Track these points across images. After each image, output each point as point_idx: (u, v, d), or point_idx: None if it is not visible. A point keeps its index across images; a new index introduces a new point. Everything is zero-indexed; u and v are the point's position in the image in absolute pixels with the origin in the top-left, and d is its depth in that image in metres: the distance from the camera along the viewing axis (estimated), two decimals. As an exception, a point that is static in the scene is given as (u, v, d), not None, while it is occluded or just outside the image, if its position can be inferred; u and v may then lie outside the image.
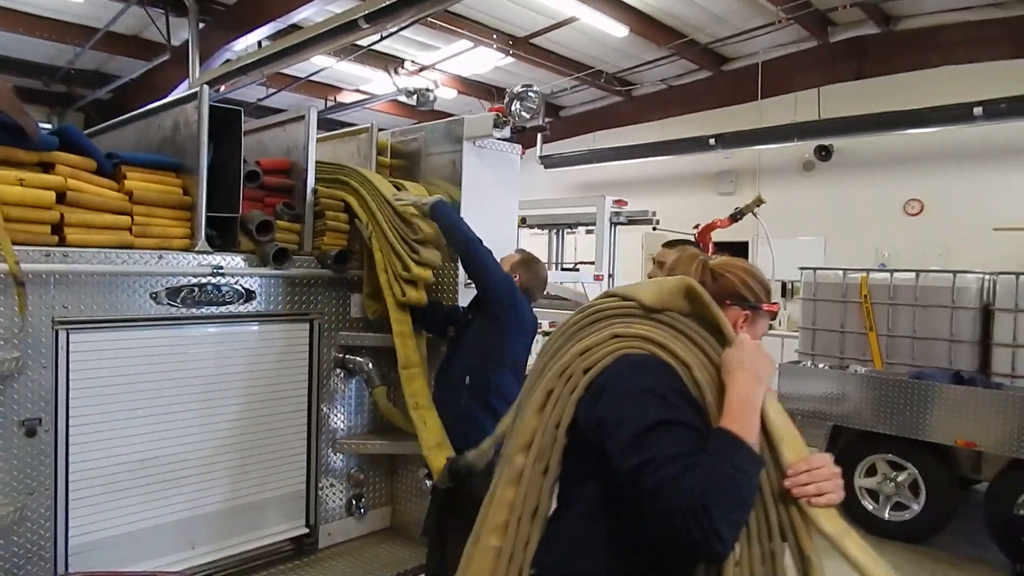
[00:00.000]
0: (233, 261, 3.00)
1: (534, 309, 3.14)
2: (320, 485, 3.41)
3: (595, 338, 1.45)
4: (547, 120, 11.95)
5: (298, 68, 9.30)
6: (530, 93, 3.37)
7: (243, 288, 3.09)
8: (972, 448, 4.52)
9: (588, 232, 8.63)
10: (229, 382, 3.07)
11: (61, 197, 2.57)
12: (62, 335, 2.57)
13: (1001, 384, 4.77)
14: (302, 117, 3.35)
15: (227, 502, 3.07)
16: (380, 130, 3.79)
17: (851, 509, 4.74)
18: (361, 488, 3.59)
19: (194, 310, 2.93)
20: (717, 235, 6.28)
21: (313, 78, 10.38)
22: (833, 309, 5.71)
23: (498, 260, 3.15)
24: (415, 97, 9.38)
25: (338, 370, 3.48)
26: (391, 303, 3.20)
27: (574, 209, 8.87)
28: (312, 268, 3.29)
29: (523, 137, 9.08)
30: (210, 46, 8.09)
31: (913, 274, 5.38)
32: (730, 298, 1.52)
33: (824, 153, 9.67)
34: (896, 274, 5.51)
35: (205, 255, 2.91)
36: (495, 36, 9.17)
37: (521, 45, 9.56)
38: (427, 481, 3.50)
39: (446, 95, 10.57)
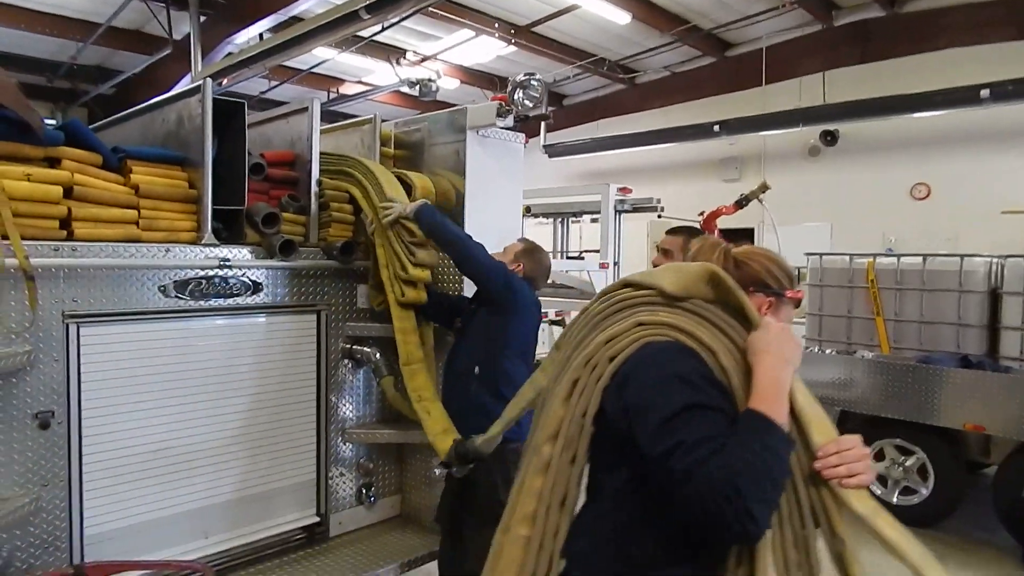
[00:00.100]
0: (240, 253, 3.02)
1: (540, 298, 3.15)
2: (330, 474, 3.44)
3: (620, 327, 1.45)
4: (550, 109, 11.90)
5: (300, 60, 9.29)
6: (532, 82, 3.36)
7: (250, 280, 3.10)
8: (981, 432, 4.53)
9: (593, 221, 8.63)
10: (238, 373, 3.09)
11: (68, 192, 2.58)
12: (72, 328, 2.60)
13: (1010, 368, 4.75)
14: (305, 109, 3.35)
15: (239, 492, 3.10)
16: (383, 121, 3.79)
17: (859, 494, 4.75)
18: (371, 477, 3.61)
19: (202, 302, 2.95)
20: (722, 222, 6.26)
21: (315, 70, 10.38)
22: (840, 295, 5.70)
23: (502, 249, 3.17)
24: (417, 88, 9.35)
25: (346, 360, 3.50)
26: (392, 301, 3.22)
27: (579, 198, 8.86)
28: (318, 259, 3.30)
29: (526, 126, 9.06)
30: (212, 39, 8.09)
31: (920, 258, 5.36)
32: (754, 285, 1.52)
33: (829, 138, 9.61)
34: (903, 259, 5.50)
35: (212, 248, 2.93)
36: (497, 25, 9.14)
37: (523, 34, 9.52)
38: (435, 471, 3.53)
39: (448, 85, 10.55)
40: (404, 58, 10.21)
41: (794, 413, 1.30)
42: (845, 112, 8.63)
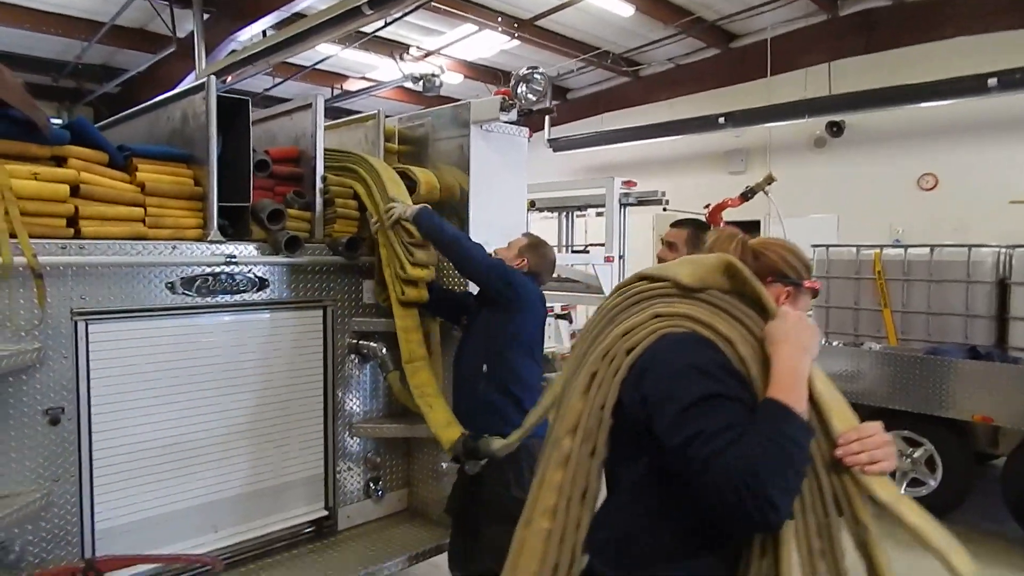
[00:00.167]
0: (246, 250, 3.03)
1: (545, 292, 3.14)
2: (338, 468, 3.46)
3: (636, 319, 1.46)
4: (554, 103, 11.81)
5: (304, 57, 9.30)
6: (536, 75, 3.36)
7: (256, 276, 3.12)
8: (989, 423, 4.50)
9: (598, 214, 8.61)
10: (246, 369, 3.11)
11: (75, 190, 2.60)
12: (81, 326, 2.62)
13: (1018, 359, 4.72)
14: (309, 106, 3.36)
15: (247, 486, 3.13)
16: (387, 117, 3.80)
17: (866, 485, 4.74)
18: (378, 471, 3.63)
19: (209, 299, 2.97)
20: (728, 214, 6.24)
21: (319, 66, 10.38)
22: (846, 286, 5.67)
23: (506, 244, 3.17)
24: (421, 83, 9.36)
25: (352, 356, 3.51)
26: (393, 300, 3.24)
27: (583, 191, 8.85)
28: (323, 255, 3.32)
29: (531, 120, 9.04)
30: (215, 37, 8.10)
31: (927, 249, 5.32)
32: (771, 275, 1.52)
33: (835, 129, 9.56)
34: (910, 250, 5.46)
35: (218, 244, 2.94)
36: (500, 19, 9.11)
37: (526, 27, 9.49)
38: (443, 464, 3.55)
39: (452, 80, 10.53)
40: (407, 53, 10.20)
41: (813, 401, 1.29)
42: (851, 103, 8.58)
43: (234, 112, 3.02)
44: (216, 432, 3.01)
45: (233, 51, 8.17)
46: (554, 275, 3.52)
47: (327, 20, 6.43)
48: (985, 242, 5.28)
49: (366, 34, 8.88)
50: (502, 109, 3.33)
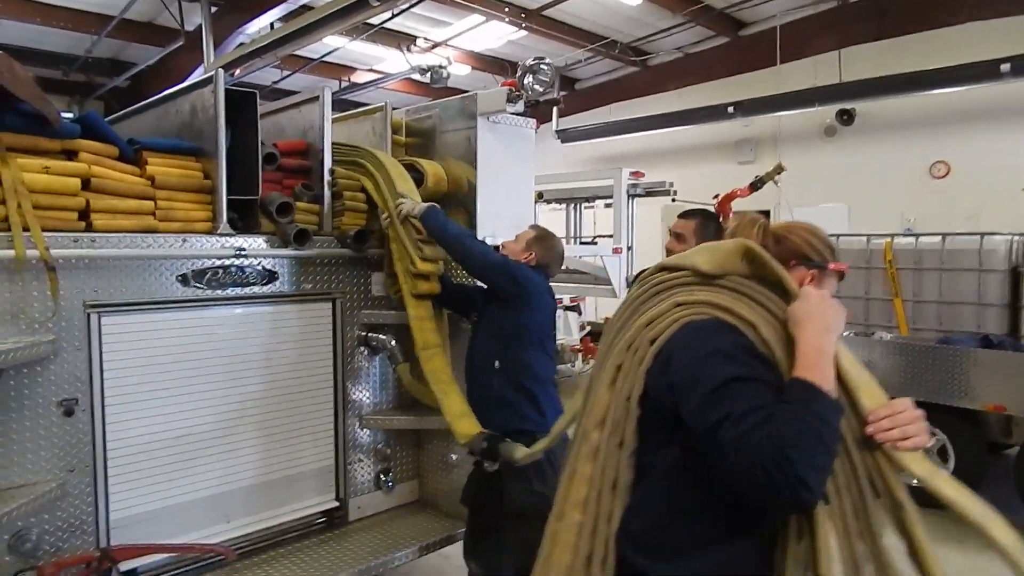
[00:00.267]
0: (255, 243, 3.05)
1: (553, 284, 3.14)
2: (349, 460, 3.49)
3: (658, 309, 1.46)
4: (562, 93, 11.84)
5: (311, 49, 9.28)
6: (542, 66, 3.34)
7: (265, 269, 3.14)
8: (1002, 413, 4.48)
9: (607, 206, 8.59)
10: (257, 361, 3.13)
11: (86, 184, 2.62)
12: (94, 318, 2.65)
13: (1031, 347, 4.71)
14: (317, 98, 3.36)
15: (259, 477, 3.16)
16: (394, 109, 3.80)
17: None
18: (388, 462, 3.66)
19: (219, 291, 2.99)
20: (737, 205, 6.20)
21: (326, 59, 10.38)
22: (857, 276, 5.64)
23: (514, 237, 3.16)
24: (428, 75, 9.32)
25: (362, 348, 3.53)
26: (406, 293, 3.24)
27: (591, 183, 8.82)
28: (332, 248, 3.33)
29: (539, 112, 9.00)
30: (223, 30, 8.11)
31: (939, 238, 5.29)
32: (795, 259, 1.51)
33: (846, 117, 9.46)
34: (921, 238, 5.43)
35: (227, 237, 2.96)
36: (507, 9, 9.06)
37: (533, 17, 9.44)
38: (452, 456, 3.56)
39: (459, 71, 10.49)
40: (414, 45, 10.18)
41: (841, 379, 1.29)
42: (862, 90, 8.48)
43: (242, 105, 3.02)
44: (227, 423, 3.04)
45: (241, 44, 8.18)
46: (562, 267, 3.51)
47: (334, 12, 6.42)
48: (998, 230, 5.24)
49: (373, 26, 8.87)
50: (509, 100, 3.32)
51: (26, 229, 2.38)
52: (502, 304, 2.92)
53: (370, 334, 3.51)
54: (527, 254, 3.03)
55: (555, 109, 11.46)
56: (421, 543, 3.31)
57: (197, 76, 5.65)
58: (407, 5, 7.41)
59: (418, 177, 3.44)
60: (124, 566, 2.59)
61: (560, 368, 7.34)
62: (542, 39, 10.07)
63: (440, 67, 9.21)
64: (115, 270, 2.69)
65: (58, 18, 8.53)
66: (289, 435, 3.26)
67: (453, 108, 3.61)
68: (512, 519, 2.80)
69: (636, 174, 8.08)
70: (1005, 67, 7.11)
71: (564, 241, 3.98)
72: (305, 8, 7.67)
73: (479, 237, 3.36)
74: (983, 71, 7.35)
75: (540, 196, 8.30)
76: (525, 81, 3.34)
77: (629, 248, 7.97)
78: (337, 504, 3.45)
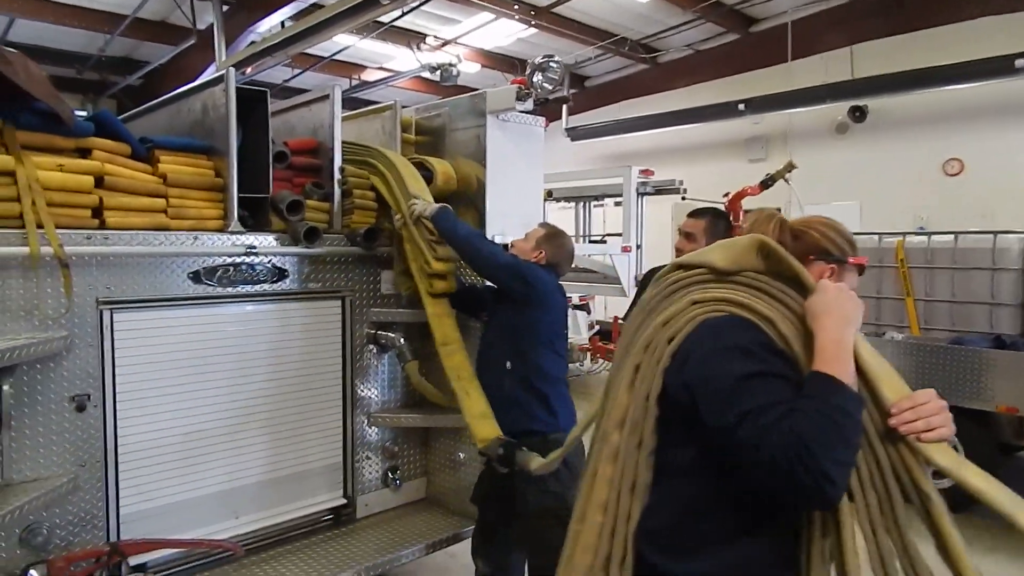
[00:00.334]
0: (265, 241, 3.07)
1: (563, 282, 3.13)
2: (357, 457, 3.50)
3: (675, 307, 1.46)
4: (572, 91, 11.80)
5: (322, 48, 9.32)
6: (551, 64, 3.34)
7: (276, 267, 3.16)
8: (1014, 414, 4.44)
9: (616, 204, 8.57)
10: (266, 358, 3.15)
11: (99, 182, 2.65)
12: (106, 315, 2.67)
13: (1044, 348, 4.66)
14: (327, 96, 3.37)
15: (267, 474, 3.18)
16: (404, 107, 3.80)
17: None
18: (396, 460, 3.67)
19: (230, 289, 3.01)
20: (747, 203, 6.17)
21: (337, 57, 10.41)
22: (868, 275, 5.59)
23: (523, 235, 3.15)
24: (438, 73, 9.35)
25: (371, 346, 3.55)
26: (423, 293, 3.23)
27: (600, 181, 8.81)
28: (342, 246, 3.34)
29: (548, 109, 8.98)
30: (234, 28, 8.16)
31: (951, 236, 5.25)
32: (814, 254, 1.50)
33: (858, 114, 9.38)
34: (934, 237, 5.38)
35: (238, 235, 2.98)
36: (516, 7, 9.05)
37: (543, 15, 9.42)
38: (460, 454, 3.57)
39: (469, 69, 10.50)
40: (424, 43, 10.19)
41: (861, 372, 1.27)
42: (874, 87, 8.39)
43: (253, 103, 3.04)
44: (237, 420, 3.07)
45: (252, 43, 8.22)
46: (572, 265, 3.50)
47: (344, 10, 6.44)
48: (1012, 228, 5.18)
49: (383, 24, 8.88)
50: (518, 98, 3.32)
51: (40, 226, 2.41)
52: (512, 304, 2.91)
53: (379, 332, 3.52)
54: (537, 253, 3.01)
55: (565, 107, 11.44)
56: (428, 541, 3.32)
57: (209, 75, 5.68)
58: (417, 3, 7.43)
59: (427, 175, 3.44)
60: (133, 560, 2.63)
61: (569, 367, 7.34)
62: (552, 37, 10.05)
63: (450, 65, 9.23)
64: (127, 267, 2.72)
65: (72, 17, 8.61)
66: (298, 432, 3.28)
67: (462, 106, 3.62)
68: (524, 519, 2.80)
69: (646, 172, 8.06)
70: (1020, 62, 7.01)
71: (573, 239, 3.96)
72: (315, 6, 7.69)
73: (488, 235, 3.36)
74: (997, 67, 7.26)
75: (549, 194, 8.31)
76: (534, 79, 3.34)
77: (638, 247, 7.95)
78: (345, 501, 3.47)
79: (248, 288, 3.07)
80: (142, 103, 3.78)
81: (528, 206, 3.63)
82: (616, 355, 1.59)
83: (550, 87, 3.35)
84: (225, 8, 8.07)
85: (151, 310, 2.81)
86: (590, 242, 8.90)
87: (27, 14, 8.35)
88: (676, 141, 11.20)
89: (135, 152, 2.85)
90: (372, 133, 3.77)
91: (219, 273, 2.97)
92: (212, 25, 8.05)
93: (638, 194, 8.00)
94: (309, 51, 8.96)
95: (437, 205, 3.09)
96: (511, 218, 3.49)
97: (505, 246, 3.17)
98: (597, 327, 9.15)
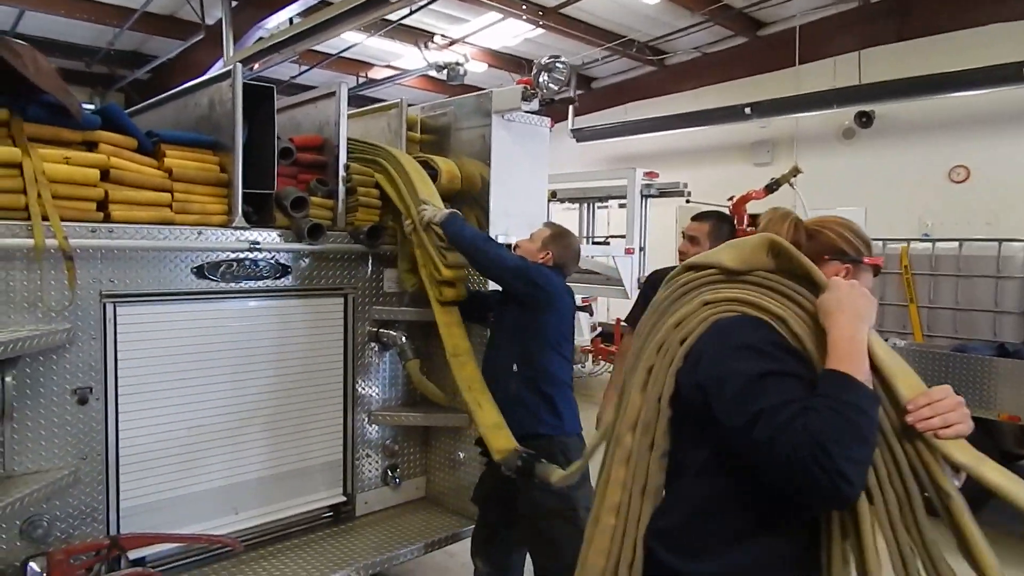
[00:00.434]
0: (269, 236, 3.07)
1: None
2: (356, 455, 3.51)
3: (686, 309, 1.46)
4: (579, 92, 11.79)
5: (329, 45, 9.32)
6: (557, 64, 3.34)
7: (279, 263, 3.16)
8: (1016, 422, 4.42)
9: (621, 206, 8.56)
10: (268, 354, 3.16)
11: (105, 175, 2.65)
12: (109, 308, 2.68)
13: (1048, 357, 4.63)
14: (333, 94, 3.38)
15: (268, 470, 3.18)
16: (410, 105, 3.81)
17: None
18: (396, 459, 3.68)
19: (233, 284, 3.02)
20: (752, 206, 6.16)
21: (344, 55, 10.40)
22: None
23: (529, 236, 3.14)
24: (445, 72, 9.34)
25: (372, 344, 3.55)
26: (433, 300, 3.20)
27: (605, 182, 8.80)
28: (345, 243, 3.34)
29: (554, 110, 8.97)
30: (243, 24, 8.16)
31: (956, 243, 5.23)
32: (829, 253, 1.49)
33: (865, 119, 9.35)
34: (938, 244, 5.36)
35: (242, 231, 2.98)
36: (524, 7, 9.04)
37: (551, 15, 9.41)
38: (459, 453, 3.57)
39: (476, 69, 10.50)
40: (432, 41, 10.18)
41: (876, 369, 1.26)
42: (881, 92, 8.36)
43: (260, 100, 3.05)
44: (238, 416, 3.07)
45: (260, 39, 8.22)
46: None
47: (352, 8, 6.44)
48: (1017, 236, 5.17)
49: (391, 22, 8.88)
50: (524, 98, 3.32)
51: (45, 218, 2.42)
52: (520, 306, 2.88)
53: (381, 330, 3.53)
54: (543, 253, 2.99)
55: (571, 108, 11.42)
56: (427, 540, 3.32)
57: (216, 70, 5.69)
58: (425, 1, 7.42)
59: (432, 174, 3.44)
60: (133, 554, 2.64)
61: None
62: (559, 37, 10.04)
63: (457, 64, 9.22)
64: (131, 261, 2.73)
65: (82, 11, 8.64)
66: (298, 429, 3.28)
67: (468, 105, 3.62)
68: (528, 519, 2.80)
69: (650, 174, 8.05)
70: (1028, 71, 6.99)
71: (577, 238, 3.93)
72: (324, 3, 7.70)
73: (491, 235, 3.36)
74: (1006, 74, 7.22)
75: (554, 195, 8.30)
76: (540, 79, 3.34)
77: (641, 249, 7.94)
78: (344, 499, 3.47)
79: (251, 284, 3.08)
80: (150, 97, 3.78)
81: (532, 206, 3.63)
82: (628, 358, 1.59)
83: (556, 87, 3.34)
84: (234, 4, 8.08)
85: (154, 304, 2.82)
86: (593, 243, 8.89)
87: (37, 6, 8.38)
88: (682, 144, 11.18)
89: (141, 146, 2.85)
90: (378, 131, 3.77)
91: (222, 268, 2.97)
92: (220, 20, 8.06)
93: (642, 196, 7.99)
94: (317, 48, 8.96)
95: (447, 211, 3.06)
96: (515, 218, 3.50)
97: (509, 246, 3.17)
98: (599, 329, 9.13)
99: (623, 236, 8.16)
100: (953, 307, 5.18)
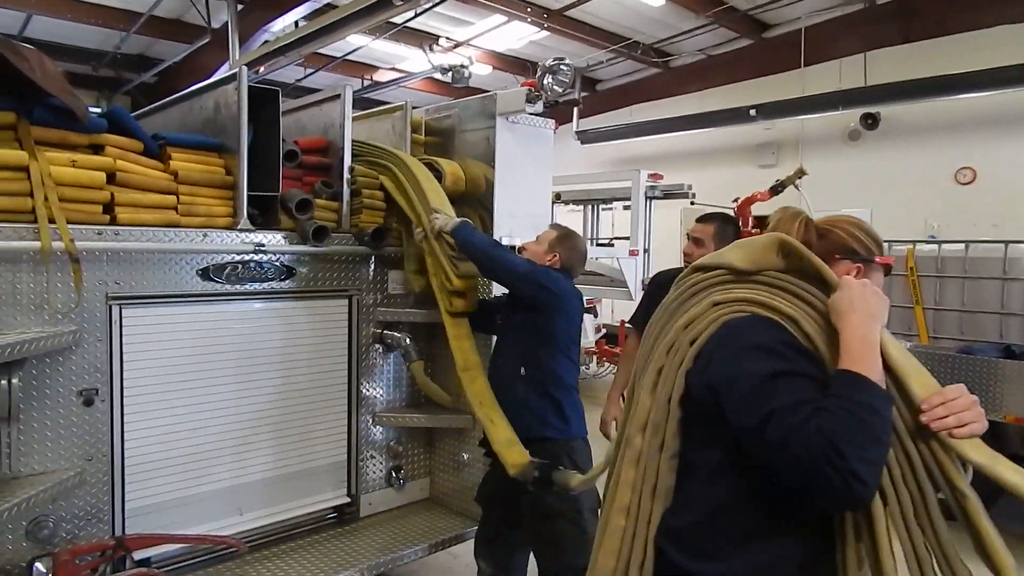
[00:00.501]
0: (274, 239, 3.08)
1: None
2: (361, 456, 3.51)
3: (696, 310, 1.45)
4: (583, 94, 11.79)
5: (335, 48, 9.36)
6: (562, 66, 3.34)
7: (284, 265, 3.17)
8: (1023, 424, 4.40)
9: (625, 208, 8.56)
10: (272, 356, 3.17)
11: (111, 178, 2.67)
12: (115, 310, 2.70)
13: (1055, 359, 4.61)
14: (338, 96, 3.39)
15: (272, 471, 3.19)
16: (415, 108, 3.81)
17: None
18: (400, 460, 3.68)
19: (238, 286, 3.03)
20: (757, 208, 6.15)
21: (349, 57, 10.45)
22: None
23: (535, 238, 3.13)
24: (450, 74, 9.35)
25: (376, 345, 3.56)
26: (443, 311, 3.17)
27: (610, 184, 8.80)
28: (350, 245, 3.35)
29: (559, 112, 8.99)
30: (249, 27, 8.20)
31: (962, 245, 5.21)
32: (840, 253, 1.48)
33: (870, 121, 9.32)
34: (944, 245, 5.35)
35: (247, 233, 3.00)
36: (529, 9, 9.05)
37: (555, 18, 9.42)
38: (464, 455, 3.57)
39: (481, 71, 10.51)
40: (437, 44, 10.21)
41: (889, 368, 1.24)
42: (887, 94, 8.34)
43: (265, 102, 3.06)
44: (242, 417, 3.08)
45: (266, 42, 8.26)
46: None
47: (358, 11, 6.46)
48: (1022, 238, 5.14)
49: (396, 25, 8.91)
50: (528, 100, 3.32)
51: (52, 221, 2.43)
52: (529, 310, 2.86)
53: (385, 331, 3.53)
54: (550, 256, 2.97)
55: (575, 110, 11.43)
56: (431, 541, 3.32)
57: (222, 73, 5.72)
58: (430, 4, 7.44)
59: (436, 176, 3.45)
60: (138, 555, 2.65)
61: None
62: (564, 39, 10.05)
63: (462, 67, 9.23)
64: (137, 263, 2.74)
65: (89, 14, 8.69)
66: (303, 430, 3.29)
67: (472, 108, 3.63)
68: (532, 520, 2.80)
69: (654, 176, 8.05)
70: (1035, 72, 6.96)
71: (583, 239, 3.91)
72: (329, 7, 7.73)
73: (496, 237, 3.36)
74: (1012, 75, 7.19)
75: (558, 197, 8.30)
76: (544, 81, 3.34)
77: (646, 251, 7.94)
78: (348, 500, 3.48)
79: (256, 286, 3.09)
80: (156, 100, 3.81)
81: (536, 208, 3.64)
82: (638, 359, 1.58)
83: (560, 89, 3.34)
84: (240, 7, 8.12)
85: (160, 306, 2.84)
86: (598, 245, 8.89)
87: (45, 10, 8.43)
88: (686, 145, 11.17)
89: (147, 149, 2.87)
90: (382, 133, 3.79)
91: (227, 270, 2.99)
92: (226, 24, 8.10)
93: (646, 198, 7.99)
94: (322, 51, 9.00)
95: (458, 220, 3.02)
96: (519, 220, 3.50)
97: (513, 248, 3.17)
98: (603, 331, 9.13)
99: (627, 238, 8.16)
100: (959, 309, 5.16)
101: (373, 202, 3.42)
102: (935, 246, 5.41)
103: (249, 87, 2.92)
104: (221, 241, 2.92)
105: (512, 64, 11.18)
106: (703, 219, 3.30)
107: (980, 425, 1.19)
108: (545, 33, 9.81)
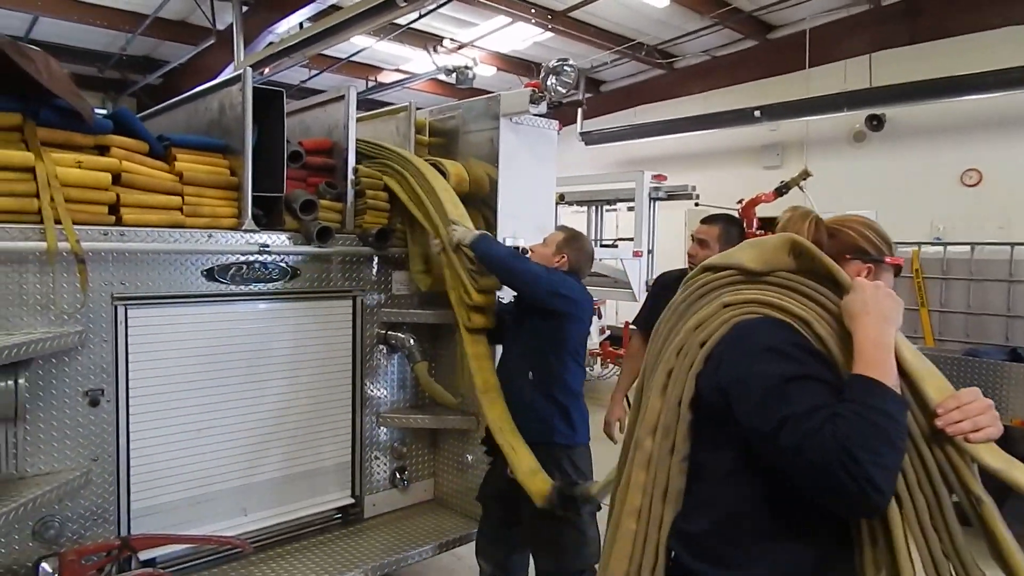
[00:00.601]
0: (278, 239, 3.09)
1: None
2: (365, 457, 3.51)
3: (706, 311, 1.44)
4: (587, 95, 11.81)
5: (339, 49, 9.37)
6: (566, 67, 3.34)
7: (288, 266, 3.18)
8: (1029, 427, 4.38)
9: (629, 209, 8.56)
10: (277, 357, 3.17)
11: (117, 179, 2.68)
12: (121, 310, 2.70)
13: (1061, 361, 4.58)
14: (342, 97, 3.40)
15: (277, 471, 3.20)
16: (419, 109, 3.82)
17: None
18: (404, 461, 3.68)
19: (243, 287, 3.04)
20: (761, 210, 6.15)
21: (354, 59, 10.47)
22: (882, 284, 5.55)
23: (541, 240, 3.11)
24: (454, 75, 9.37)
25: (381, 346, 3.56)
26: (461, 327, 3.12)
27: (614, 185, 8.79)
28: (354, 246, 3.36)
29: (563, 113, 8.98)
30: (253, 29, 8.23)
31: (968, 247, 5.19)
32: (850, 253, 1.47)
33: (876, 123, 9.29)
34: (950, 247, 5.32)
35: (252, 234, 3.00)
36: (533, 11, 9.06)
37: (560, 19, 9.42)
38: (468, 456, 3.57)
39: (485, 72, 10.53)
40: (441, 45, 10.22)
41: (903, 372, 1.23)
42: (892, 95, 8.31)
43: (270, 103, 3.07)
44: (247, 418, 3.09)
45: (270, 43, 8.29)
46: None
47: (362, 12, 6.48)
48: (1029, 241, 5.12)
49: (400, 26, 8.92)
50: (532, 101, 3.32)
51: (58, 222, 2.44)
52: (542, 315, 2.84)
53: (389, 332, 3.54)
54: (558, 258, 2.95)
55: (579, 111, 11.43)
56: (435, 542, 3.33)
57: (227, 74, 5.74)
58: (434, 6, 7.45)
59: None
60: (144, 555, 2.65)
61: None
62: (568, 41, 10.05)
63: (466, 68, 9.24)
64: (142, 264, 2.75)
65: (95, 16, 8.73)
66: (307, 431, 3.30)
67: (476, 109, 3.63)
68: (530, 519, 2.80)
69: (658, 177, 8.04)
70: (1042, 73, 6.94)
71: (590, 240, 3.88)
72: (334, 8, 7.76)
73: (499, 237, 3.36)
74: (1019, 77, 7.17)
75: (562, 198, 8.30)
76: (548, 82, 3.34)
77: (650, 252, 7.93)
78: (353, 501, 3.48)
79: (260, 286, 3.10)
80: (161, 101, 3.82)
81: (540, 209, 3.64)
82: (647, 360, 1.56)
83: (564, 90, 3.35)
84: (245, 9, 8.15)
85: (165, 306, 2.84)
86: (602, 246, 8.88)
87: (51, 12, 8.48)
88: (691, 147, 11.16)
89: (152, 150, 2.88)
90: (387, 134, 3.79)
91: (232, 271, 2.99)
92: (231, 25, 8.13)
93: (651, 199, 7.99)
94: (326, 52, 9.01)
95: (477, 232, 2.97)
96: (523, 221, 3.50)
97: (518, 248, 3.17)
98: (607, 332, 9.12)
99: (631, 239, 8.15)
100: (965, 311, 5.13)
101: (377, 203, 3.42)
102: (940, 248, 5.39)
103: (254, 88, 2.93)
104: (226, 242, 2.93)
105: (516, 65, 11.19)
106: (707, 220, 3.30)
107: (996, 429, 1.18)
108: (549, 34, 9.82)
